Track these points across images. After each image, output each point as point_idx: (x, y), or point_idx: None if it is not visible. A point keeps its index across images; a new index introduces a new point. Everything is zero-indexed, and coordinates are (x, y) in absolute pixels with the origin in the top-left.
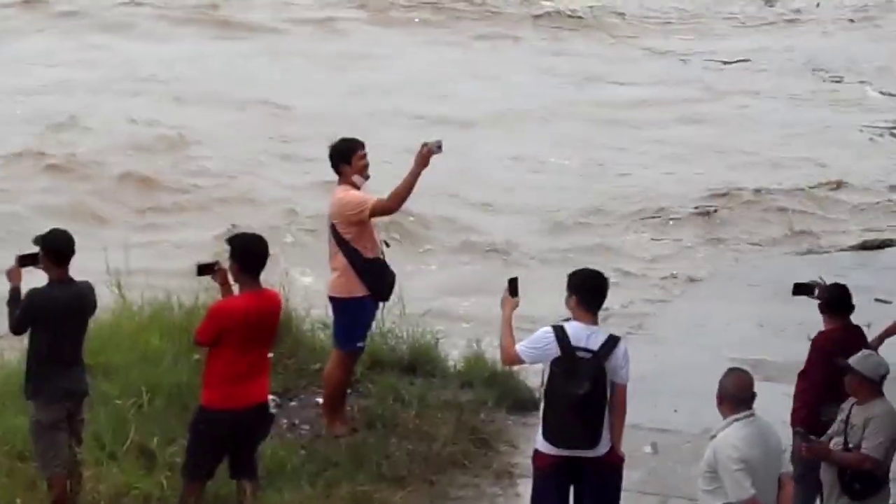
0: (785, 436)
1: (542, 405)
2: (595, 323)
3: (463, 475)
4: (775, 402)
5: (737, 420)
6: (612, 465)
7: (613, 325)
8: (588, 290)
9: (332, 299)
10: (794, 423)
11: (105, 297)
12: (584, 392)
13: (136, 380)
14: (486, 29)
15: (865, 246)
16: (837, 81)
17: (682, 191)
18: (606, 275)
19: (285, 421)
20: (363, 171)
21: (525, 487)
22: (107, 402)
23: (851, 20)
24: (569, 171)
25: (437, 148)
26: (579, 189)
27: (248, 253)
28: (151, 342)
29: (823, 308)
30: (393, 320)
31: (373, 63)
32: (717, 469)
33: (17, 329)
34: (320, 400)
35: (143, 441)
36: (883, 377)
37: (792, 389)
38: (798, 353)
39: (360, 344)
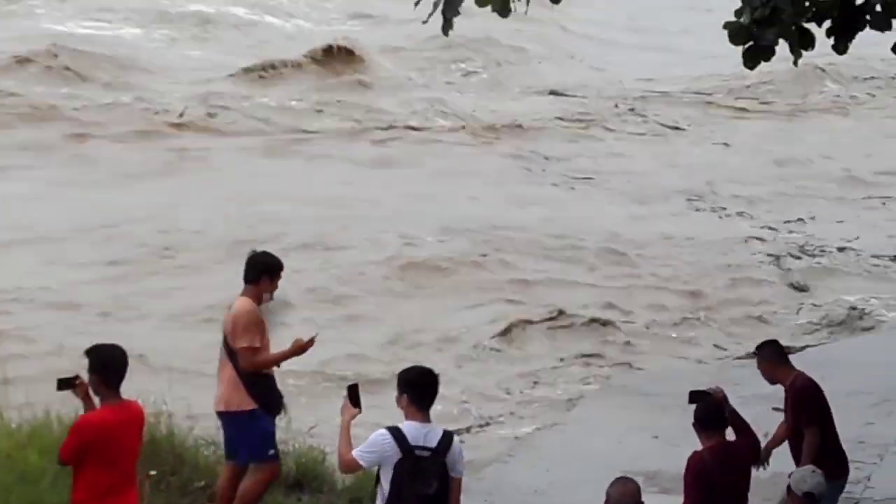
0: None
1: None
2: (428, 420)
3: None
4: None
5: None
6: None
7: (504, 441)
8: (419, 387)
9: (223, 414)
10: None
11: None
12: (432, 491)
13: (15, 501)
14: None
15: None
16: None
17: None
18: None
19: None
20: (273, 293)
21: None
22: None
23: None
24: None
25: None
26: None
27: (107, 365)
28: (30, 460)
29: (697, 426)
30: (279, 435)
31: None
32: None
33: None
34: None
35: None
36: (807, 494)
37: None
38: None
39: (272, 452)
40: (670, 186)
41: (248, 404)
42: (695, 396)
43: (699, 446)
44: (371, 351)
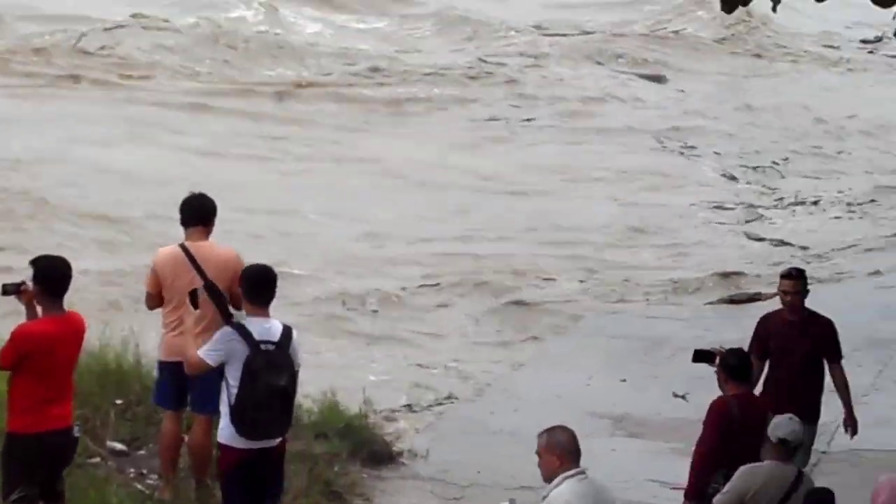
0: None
1: (231, 402)
2: (268, 315)
3: None
4: (637, 458)
5: (568, 478)
6: (283, 452)
7: (472, 383)
8: (257, 284)
9: None
10: (685, 494)
11: None
12: (283, 383)
13: None
14: None
15: (733, 300)
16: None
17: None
18: None
19: (132, 470)
20: None
21: None
22: None
23: None
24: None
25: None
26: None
27: (51, 275)
28: None
29: (723, 373)
30: None
31: None
32: None
33: None
34: None
35: None
36: (781, 440)
37: (654, 445)
38: (661, 408)
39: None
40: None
41: None
42: (699, 356)
43: (663, 393)
44: None
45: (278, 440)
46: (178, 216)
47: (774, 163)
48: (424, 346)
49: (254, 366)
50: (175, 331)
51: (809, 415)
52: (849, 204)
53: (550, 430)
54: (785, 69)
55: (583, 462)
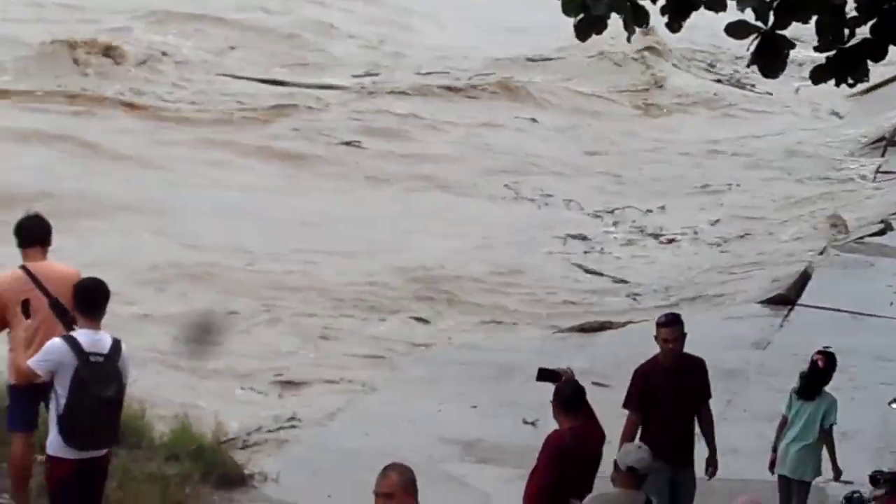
0: None
1: (60, 412)
2: (99, 328)
3: None
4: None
5: None
6: (108, 461)
7: (323, 407)
8: (86, 297)
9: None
10: None
11: None
12: (111, 394)
13: None
14: None
15: (584, 329)
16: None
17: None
18: None
19: None
20: None
21: None
22: None
23: None
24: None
25: None
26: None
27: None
28: None
29: (558, 406)
30: None
31: None
32: None
33: None
34: None
35: None
36: (630, 468)
37: (505, 472)
38: (511, 435)
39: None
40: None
41: None
42: (544, 375)
43: (514, 420)
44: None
45: (104, 451)
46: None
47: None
48: (274, 366)
49: (82, 376)
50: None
51: (686, 459)
52: (695, 234)
53: (397, 468)
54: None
55: (434, 488)
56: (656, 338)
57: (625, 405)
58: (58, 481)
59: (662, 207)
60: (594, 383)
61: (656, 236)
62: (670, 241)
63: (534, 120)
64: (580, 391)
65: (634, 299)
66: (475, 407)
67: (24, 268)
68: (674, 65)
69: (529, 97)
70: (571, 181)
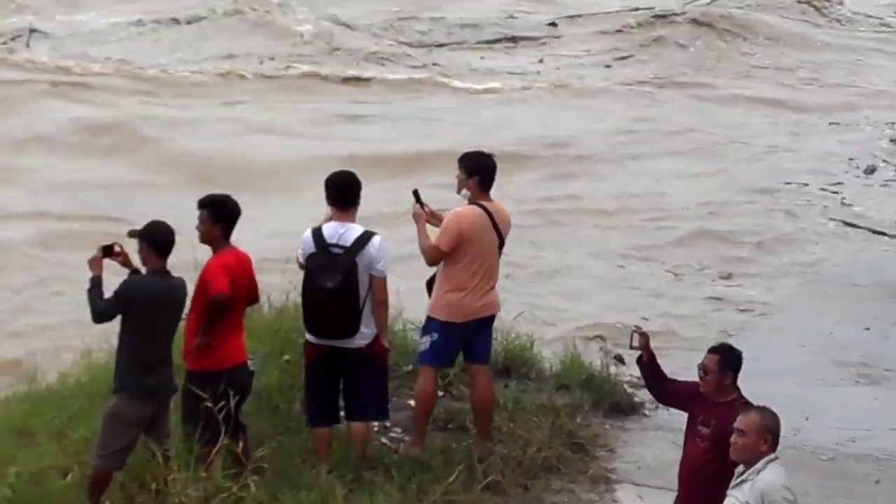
0: None
1: None
2: (351, 221)
3: (558, 480)
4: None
5: (772, 461)
6: (375, 356)
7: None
8: (337, 192)
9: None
10: None
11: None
12: (333, 285)
13: None
14: None
15: None
16: None
17: None
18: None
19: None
20: None
21: (623, 493)
22: None
23: None
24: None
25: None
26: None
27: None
28: None
29: None
30: None
31: None
32: None
33: (104, 313)
34: (413, 402)
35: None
36: None
37: None
38: None
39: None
40: None
41: None
42: None
43: None
44: None
45: (354, 342)
46: None
47: None
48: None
49: (309, 266)
50: (461, 292)
51: None
52: None
53: (758, 414)
54: None
55: (823, 408)
56: None
57: None
58: (306, 362)
59: None
60: None
61: None
62: None
63: None
64: None
65: None
66: (868, 328)
67: (481, 205)
68: None
69: None
70: None
